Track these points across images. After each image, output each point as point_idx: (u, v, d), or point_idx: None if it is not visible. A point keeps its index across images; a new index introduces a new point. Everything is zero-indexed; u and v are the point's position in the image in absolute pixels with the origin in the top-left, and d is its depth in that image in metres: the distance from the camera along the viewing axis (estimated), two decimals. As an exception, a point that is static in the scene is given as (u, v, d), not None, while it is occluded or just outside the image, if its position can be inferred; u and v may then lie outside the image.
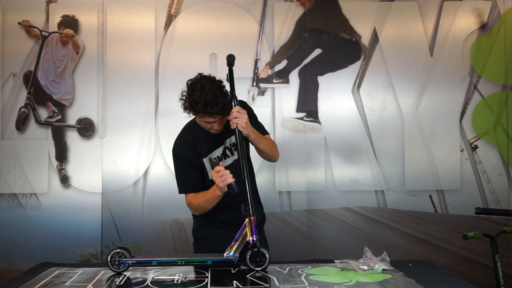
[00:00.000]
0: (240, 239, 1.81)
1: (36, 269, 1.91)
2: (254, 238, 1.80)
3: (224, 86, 1.89)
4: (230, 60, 1.84)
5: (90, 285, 1.66)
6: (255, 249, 1.80)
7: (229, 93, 1.89)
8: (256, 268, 1.81)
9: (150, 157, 3.06)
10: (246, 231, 1.81)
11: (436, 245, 3.08)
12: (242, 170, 1.84)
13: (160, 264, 1.84)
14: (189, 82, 1.89)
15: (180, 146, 2.04)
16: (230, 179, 1.81)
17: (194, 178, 2.02)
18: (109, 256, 1.80)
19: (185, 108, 1.89)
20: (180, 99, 1.90)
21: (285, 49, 3.13)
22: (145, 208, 3.06)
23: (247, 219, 1.82)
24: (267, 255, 1.81)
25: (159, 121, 3.08)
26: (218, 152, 2.02)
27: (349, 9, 3.15)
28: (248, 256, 1.81)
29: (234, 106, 1.86)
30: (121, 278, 1.75)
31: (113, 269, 1.80)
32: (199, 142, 2.00)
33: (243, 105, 1.98)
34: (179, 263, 1.82)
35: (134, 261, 1.80)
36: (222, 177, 1.81)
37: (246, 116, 1.85)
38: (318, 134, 3.11)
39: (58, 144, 3.07)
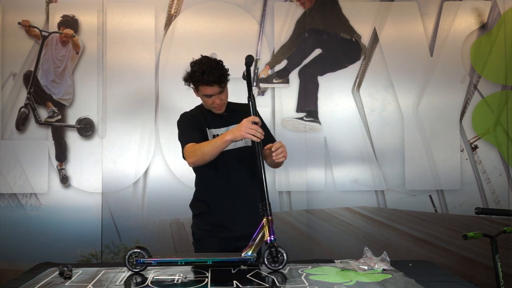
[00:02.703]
0: (258, 239, 1.82)
1: (36, 269, 1.91)
2: (272, 238, 1.80)
3: (224, 66, 2.05)
4: (249, 60, 1.90)
5: (90, 285, 1.66)
6: (273, 249, 1.80)
7: (228, 71, 2.05)
8: (272, 268, 1.81)
9: (150, 157, 3.06)
10: (264, 231, 1.81)
11: (436, 245, 3.09)
12: (260, 175, 1.88)
13: (182, 264, 1.83)
14: (192, 62, 2.05)
15: (186, 113, 2.18)
16: (256, 138, 1.84)
17: (197, 135, 2.06)
18: (127, 255, 1.80)
19: (185, 80, 2.06)
20: (183, 79, 2.07)
21: (285, 49, 3.13)
22: (145, 208, 3.06)
23: (264, 219, 1.82)
24: (285, 255, 1.81)
25: (159, 121, 3.08)
26: (220, 131, 2.08)
27: (349, 9, 3.15)
28: (265, 256, 1.81)
29: (252, 105, 1.93)
30: (121, 278, 1.75)
31: (131, 268, 1.79)
32: (206, 117, 2.11)
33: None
34: (179, 264, 1.82)
35: (152, 261, 1.80)
36: (253, 130, 1.84)
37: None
38: (318, 134, 3.11)
39: (58, 144, 3.07)
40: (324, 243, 3.08)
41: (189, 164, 2.06)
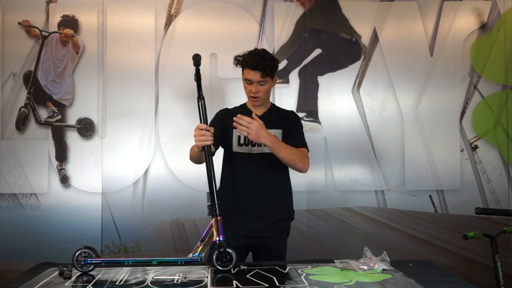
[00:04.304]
0: (206, 239, 1.82)
1: (36, 269, 1.91)
2: (221, 238, 1.82)
3: (277, 60, 2.13)
4: (196, 59, 1.88)
5: (90, 285, 1.66)
6: (221, 249, 1.81)
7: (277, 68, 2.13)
8: (220, 268, 1.82)
9: (150, 157, 3.06)
10: (213, 231, 1.82)
11: (436, 245, 3.08)
12: (209, 176, 1.86)
13: (135, 264, 1.84)
14: None
15: (222, 109, 2.25)
16: (207, 141, 1.85)
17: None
18: (75, 255, 1.79)
19: (236, 63, 2.12)
20: (234, 58, 2.13)
21: (285, 49, 3.13)
22: (145, 208, 3.06)
23: (213, 219, 1.83)
24: (233, 255, 1.81)
25: (159, 121, 3.08)
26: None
27: (349, 9, 3.15)
28: (214, 256, 1.82)
29: (201, 106, 1.88)
30: (121, 278, 1.75)
31: (78, 268, 1.79)
32: (235, 115, 2.11)
33: (293, 115, 2.22)
34: (126, 264, 1.83)
35: (99, 261, 1.80)
36: (201, 136, 1.86)
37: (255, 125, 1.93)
38: (318, 134, 3.11)
39: (58, 144, 3.07)
40: (324, 243, 3.08)
41: None
